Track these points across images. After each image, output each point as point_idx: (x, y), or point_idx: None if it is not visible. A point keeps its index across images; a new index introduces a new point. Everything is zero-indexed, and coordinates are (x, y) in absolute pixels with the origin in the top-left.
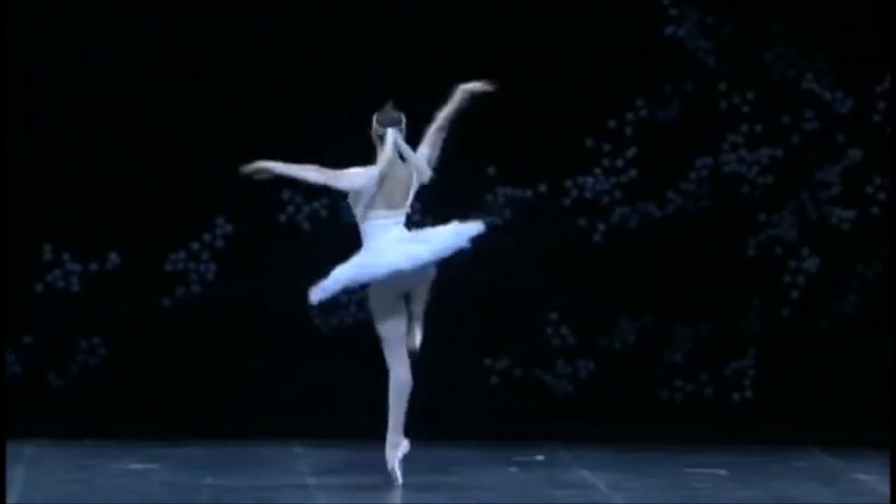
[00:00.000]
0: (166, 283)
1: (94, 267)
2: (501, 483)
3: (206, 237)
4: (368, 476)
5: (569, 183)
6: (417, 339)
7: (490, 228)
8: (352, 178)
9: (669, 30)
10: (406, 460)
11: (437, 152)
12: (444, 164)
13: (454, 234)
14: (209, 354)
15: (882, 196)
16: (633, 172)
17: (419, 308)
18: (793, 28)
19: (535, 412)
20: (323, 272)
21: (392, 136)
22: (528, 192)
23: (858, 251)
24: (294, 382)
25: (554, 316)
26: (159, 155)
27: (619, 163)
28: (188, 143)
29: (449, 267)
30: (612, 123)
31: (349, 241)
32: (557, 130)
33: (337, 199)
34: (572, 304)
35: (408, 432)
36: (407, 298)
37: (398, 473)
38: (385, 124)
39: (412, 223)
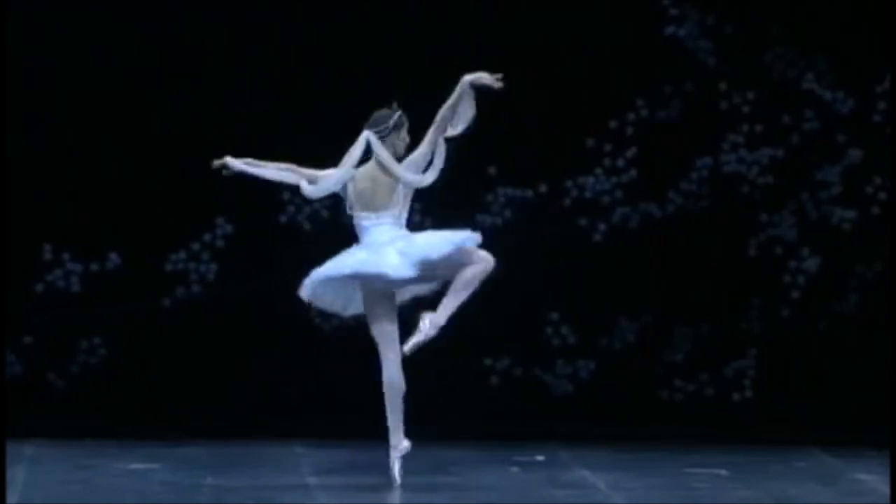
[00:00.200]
0: (166, 283)
1: (94, 267)
2: (502, 483)
3: (207, 237)
4: (369, 476)
5: (569, 183)
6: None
7: (488, 232)
8: (323, 180)
9: (670, 30)
10: (406, 460)
11: (439, 150)
12: (444, 163)
13: (441, 242)
14: (209, 354)
15: (882, 196)
16: (633, 172)
17: (451, 300)
18: (793, 28)
19: (535, 412)
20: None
21: (364, 138)
22: (529, 192)
23: (859, 251)
24: (294, 382)
25: (554, 316)
26: (159, 155)
27: (620, 163)
28: (188, 143)
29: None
30: (612, 123)
31: (349, 242)
32: (558, 130)
33: (338, 200)
34: (573, 304)
35: (408, 432)
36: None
37: (396, 474)
38: (367, 125)
39: (412, 223)
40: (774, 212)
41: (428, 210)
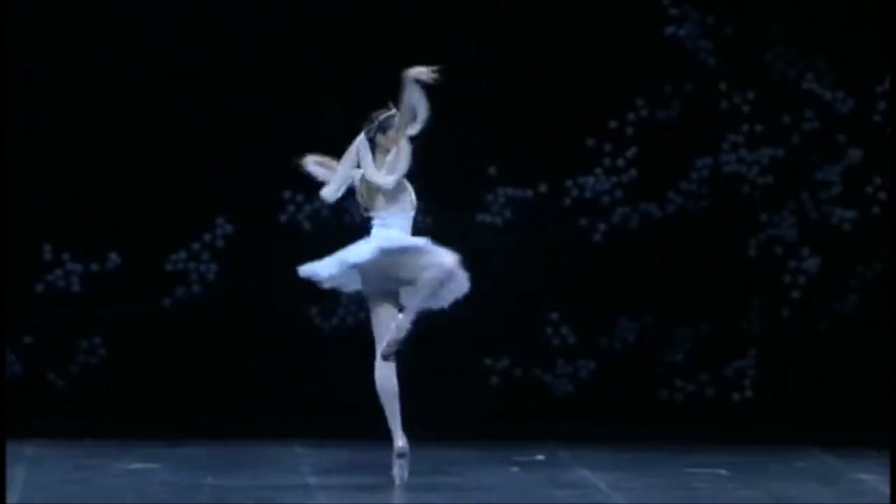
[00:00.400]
0: (167, 283)
1: (94, 267)
2: (502, 483)
3: (207, 237)
4: (369, 476)
5: (569, 183)
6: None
7: (488, 232)
8: (328, 185)
9: (670, 30)
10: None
11: (402, 151)
12: (445, 164)
13: (411, 242)
14: (209, 354)
15: (882, 196)
16: (633, 172)
17: (411, 301)
18: (793, 28)
19: (535, 412)
20: None
21: (356, 141)
22: (529, 192)
23: (859, 251)
24: (294, 382)
25: (554, 316)
26: (159, 155)
27: (620, 163)
28: (188, 143)
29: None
30: (612, 123)
31: (349, 241)
32: (558, 130)
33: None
34: (573, 304)
35: (408, 432)
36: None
37: (395, 475)
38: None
39: (415, 223)
40: (774, 212)
41: (428, 210)
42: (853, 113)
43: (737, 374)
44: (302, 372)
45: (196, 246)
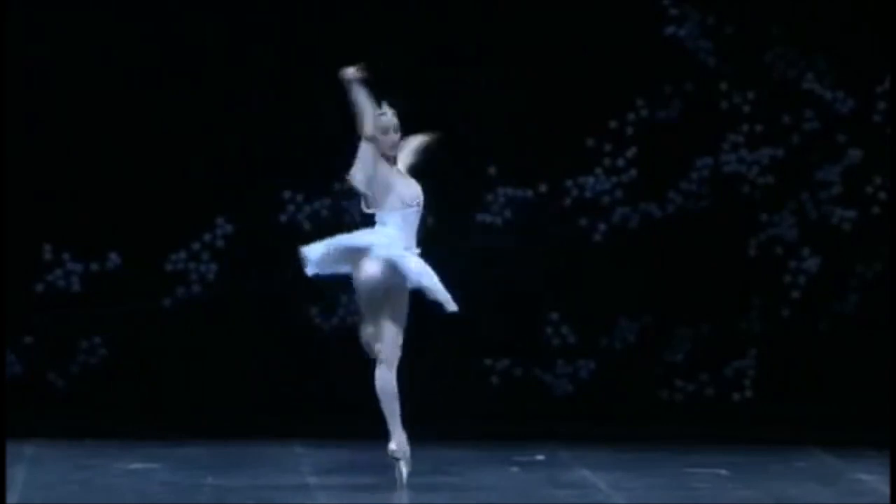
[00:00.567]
0: (167, 282)
1: (94, 267)
2: (502, 483)
3: (207, 237)
4: (369, 476)
5: (569, 183)
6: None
7: (488, 232)
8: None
9: (670, 30)
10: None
11: (359, 151)
12: (445, 163)
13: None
14: (209, 354)
15: (882, 196)
16: (633, 172)
17: (387, 348)
18: (793, 28)
19: (535, 412)
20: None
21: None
22: (529, 192)
23: (859, 251)
24: (294, 382)
25: (554, 316)
26: (159, 155)
27: (620, 163)
28: (188, 143)
29: (450, 267)
30: (612, 123)
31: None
32: (558, 130)
33: (338, 199)
34: (573, 304)
35: (409, 432)
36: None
37: (396, 476)
38: None
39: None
40: (774, 212)
41: (428, 210)
42: (853, 113)
43: (737, 374)
44: (302, 372)
45: (196, 246)
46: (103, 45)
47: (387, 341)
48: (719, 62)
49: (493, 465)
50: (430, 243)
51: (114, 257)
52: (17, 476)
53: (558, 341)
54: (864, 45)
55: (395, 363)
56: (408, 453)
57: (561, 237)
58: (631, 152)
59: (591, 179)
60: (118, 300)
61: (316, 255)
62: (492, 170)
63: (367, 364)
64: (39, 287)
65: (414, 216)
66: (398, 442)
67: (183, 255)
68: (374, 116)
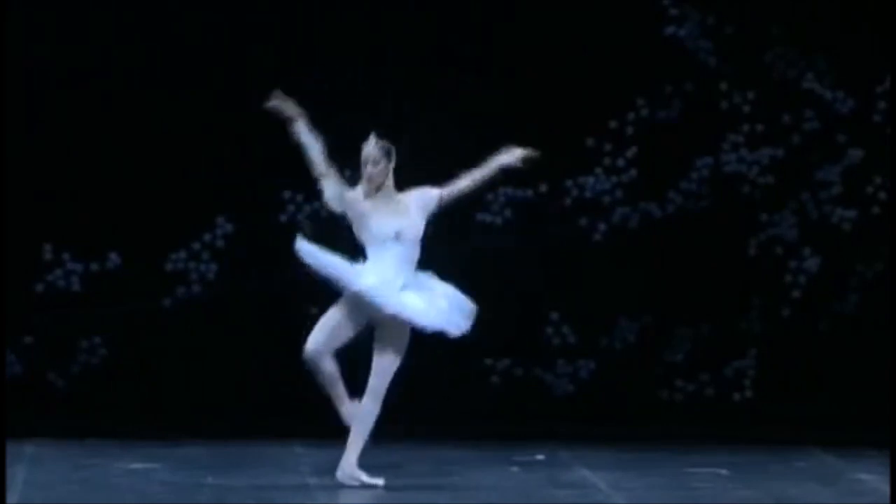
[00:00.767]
0: (167, 282)
1: (94, 267)
2: (502, 483)
3: (207, 237)
4: (369, 476)
5: (569, 183)
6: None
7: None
8: None
9: (670, 30)
10: (406, 460)
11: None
12: (445, 163)
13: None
14: (209, 354)
15: (882, 196)
16: (633, 172)
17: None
18: (793, 28)
19: (535, 412)
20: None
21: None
22: (529, 192)
23: (859, 251)
24: (294, 382)
25: (555, 316)
26: (159, 155)
27: (620, 162)
28: (188, 143)
29: (450, 267)
30: (612, 123)
31: (349, 242)
32: (558, 130)
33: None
34: (573, 304)
35: (409, 431)
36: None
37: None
38: None
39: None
40: (775, 211)
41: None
42: (853, 113)
43: (737, 374)
44: (302, 372)
45: (196, 245)
46: (103, 45)
47: (382, 373)
48: (719, 62)
49: (493, 464)
50: (430, 243)
51: (114, 257)
52: (17, 476)
53: (558, 341)
54: (864, 45)
55: (383, 396)
56: (355, 477)
57: (561, 237)
58: (631, 152)
59: (591, 179)
60: (118, 300)
61: (310, 252)
62: None
63: (367, 364)
64: (39, 287)
65: (396, 249)
66: (349, 465)
67: (183, 254)
68: (318, 155)
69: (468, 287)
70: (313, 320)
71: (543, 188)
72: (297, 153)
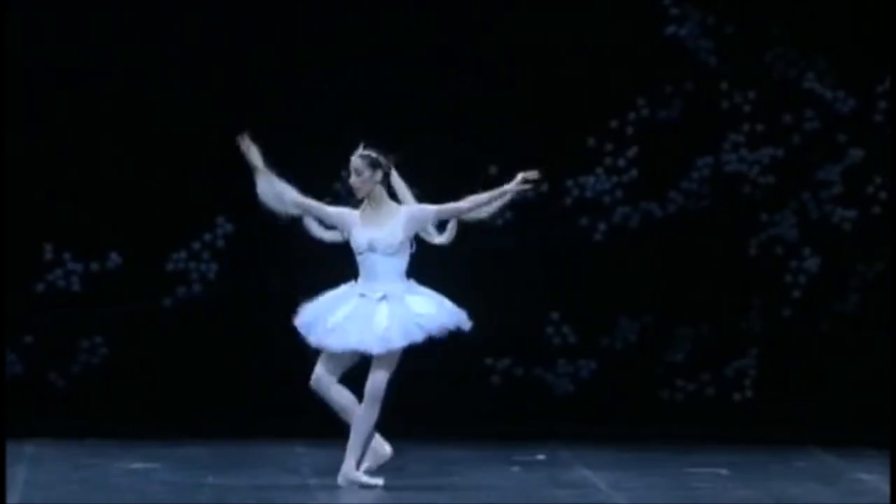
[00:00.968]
0: (167, 282)
1: (95, 266)
2: (503, 483)
3: (207, 237)
4: (370, 476)
5: (570, 182)
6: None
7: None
8: None
9: (671, 29)
10: (407, 460)
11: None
12: (445, 163)
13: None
14: (209, 354)
15: (883, 195)
16: (634, 172)
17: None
18: (793, 28)
19: (536, 412)
20: (323, 272)
21: None
22: (530, 192)
23: (860, 251)
24: (294, 382)
25: (555, 315)
26: (159, 154)
27: (621, 162)
28: (188, 143)
29: (450, 267)
30: (613, 123)
31: (348, 242)
32: (559, 130)
33: (338, 201)
34: (573, 304)
35: (409, 431)
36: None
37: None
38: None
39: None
40: (775, 211)
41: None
42: (854, 112)
43: (737, 373)
44: (302, 372)
45: (197, 245)
46: (103, 45)
47: (378, 379)
48: (720, 62)
49: (493, 464)
50: (430, 243)
51: (114, 257)
52: (17, 476)
53: (559, 341)
54: (864, 45)
55: (380, 402)
56: (355, 480)
57: (562, 237)
58: (632, 152)
59: (591, 179)
60: (119, 300)
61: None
62: (493, 169)
63: (367, 364)
64: (40, 287)
65: (372, 260)
66: (349, 470)
67: (183, 254)
68: (293, 199)
69: (468, 287)
70: None
71: (544, 188)
72: (297, 153)
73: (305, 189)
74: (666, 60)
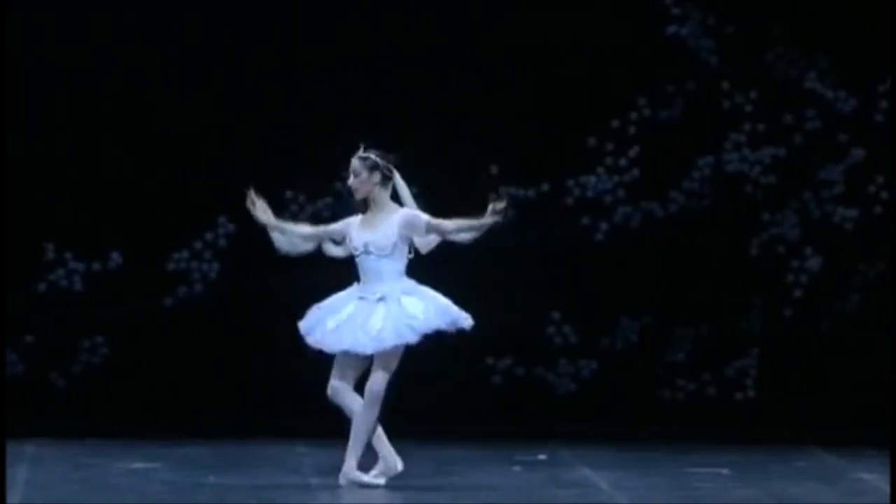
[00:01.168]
0: (168, 282)
1: (96, 266)
2: (504, 482)
3: (209, 236)
4: (370, 476)
5: (571, 182)
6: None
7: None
8: None
9: (672, 29)
10: (408, 460)
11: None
12: (445, 163)
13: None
14: (210, 354)
15: (885, 195)
16: (635, 172)
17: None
18: (794, 27)
19: (537, 411)
20: (323, 272)
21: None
22: (531, 192)
23: (861, 250)
24: (296, 382)
25: (556, 315)
26: (160, 154)
27: (622, 162)
28: (189, 143)
29: (451, 267)
30: (614, 123)
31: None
32: (560, 130)
33: (338, 201)
34: (574, 304)
35: (410, 431)
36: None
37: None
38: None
39: None
40: (777, 211)
41: (429, 210)
42: (855, 112)
43: (738, 373)
44: (303, 371)
45: (198, 245)
46: (103, 45)
47: (378, 379)
48: (721, 61)
49: (494, 464)
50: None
51: (116, 257)
52: (18, 476)
53: (560, 341)
54: (865, 45)
55: (380, 402)
56: (356, 480)
57: (563, 236)
58: (633, 152)
59: (592, 179)
60: (120, 300)
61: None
62: (494, 169)
63: (368, 364)
64: (41, 286)
65: (368, 262)
66: (350, 470)
67: (185, 254)
68: (296, 234)
69: (469, 287)
70: None
71: (545, 187)
72: (298, 153)
73: (306, 188)
74: (667, 60)
